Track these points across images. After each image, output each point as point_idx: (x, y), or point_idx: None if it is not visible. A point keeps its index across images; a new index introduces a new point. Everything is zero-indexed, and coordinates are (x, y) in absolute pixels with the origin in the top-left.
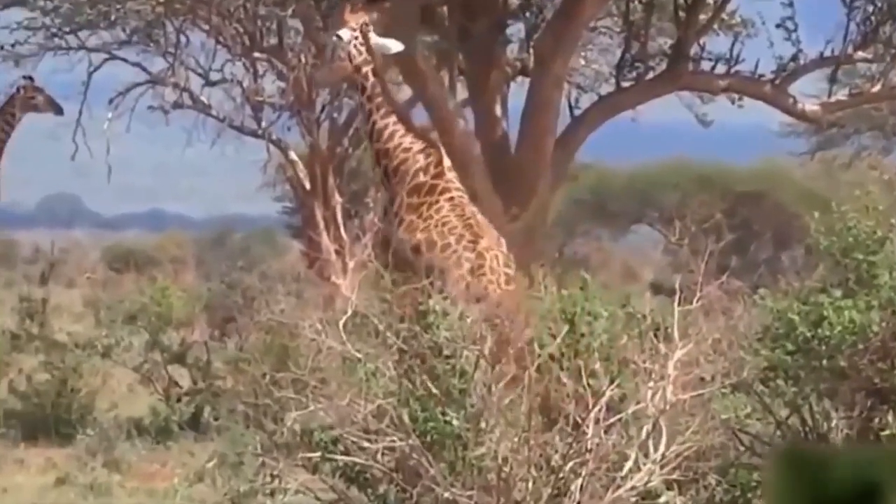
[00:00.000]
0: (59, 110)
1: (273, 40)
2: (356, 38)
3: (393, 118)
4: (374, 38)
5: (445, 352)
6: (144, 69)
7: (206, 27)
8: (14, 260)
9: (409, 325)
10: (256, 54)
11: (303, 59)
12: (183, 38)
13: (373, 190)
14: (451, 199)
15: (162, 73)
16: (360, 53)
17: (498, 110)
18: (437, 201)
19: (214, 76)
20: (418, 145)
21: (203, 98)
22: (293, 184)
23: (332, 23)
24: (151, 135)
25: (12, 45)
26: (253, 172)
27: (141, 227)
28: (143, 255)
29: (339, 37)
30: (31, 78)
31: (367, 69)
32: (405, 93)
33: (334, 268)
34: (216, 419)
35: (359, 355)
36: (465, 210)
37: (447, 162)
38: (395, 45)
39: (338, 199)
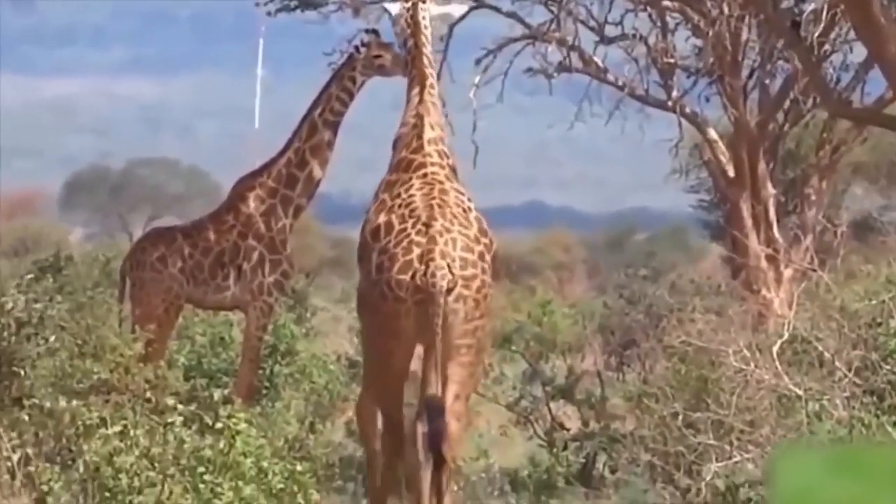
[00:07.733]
0: None
1: None
2: (407, 9)
3: (417, 89)
4: (432, 9)
5: None
6: (521, 21)
7: None
8: (352, 264)
9: (865, 352)
10: (666, 3)
11: (726, 10)
12: None
13: (815, 178)
14: (424, 175)
15: (544, 27)
16: (407, 27)
17: None
18: (410, 178)
19: (611, 31)
20: (415, 117)
21: (597, 59)
22: (712, 170)
23: None
24: (530, 106)
25: None
26: (660, 155)
27: (516, 224)
28: (519, 261)
29: (387, 11)
30: (375, 31)
31: (410, 43)
32: (860, 52)
33: (765, 278)
34: (613, 471)
35: (798, 391)
36: (434, 189)
37: (430, 133)
38: (457, 9)
39: (770, 189)
